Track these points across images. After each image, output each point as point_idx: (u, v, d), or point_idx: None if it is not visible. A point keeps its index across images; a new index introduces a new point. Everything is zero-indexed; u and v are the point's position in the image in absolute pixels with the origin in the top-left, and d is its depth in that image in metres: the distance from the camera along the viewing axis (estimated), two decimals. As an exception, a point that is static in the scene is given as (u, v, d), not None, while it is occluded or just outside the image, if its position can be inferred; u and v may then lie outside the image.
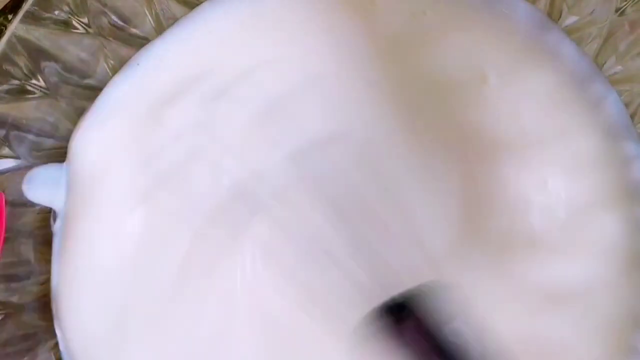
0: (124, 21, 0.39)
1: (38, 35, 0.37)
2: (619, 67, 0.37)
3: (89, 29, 0.38)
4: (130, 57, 0.39)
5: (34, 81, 0.37)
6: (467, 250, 0.36)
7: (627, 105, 0.37)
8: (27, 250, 0.38)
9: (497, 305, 0.35)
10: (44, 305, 0.38)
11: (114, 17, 0.38)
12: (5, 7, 0.36)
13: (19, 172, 0.38)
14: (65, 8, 0.37)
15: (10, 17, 0.36)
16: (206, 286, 0.37)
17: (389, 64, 0.37)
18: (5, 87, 0.37)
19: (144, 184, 0.38)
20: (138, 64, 0.39)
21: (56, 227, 0.38)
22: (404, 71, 0.37)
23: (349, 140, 0.37)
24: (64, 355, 0.38)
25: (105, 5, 0.38)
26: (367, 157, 0.37)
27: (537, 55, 0.36)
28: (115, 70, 0.39)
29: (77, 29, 0.37)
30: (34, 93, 0.37)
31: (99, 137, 0.38)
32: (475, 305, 0.32)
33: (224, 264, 0.38)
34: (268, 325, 0.37)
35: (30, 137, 0.38)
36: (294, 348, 0.37)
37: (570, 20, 0.37)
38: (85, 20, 0.37)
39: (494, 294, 0.35)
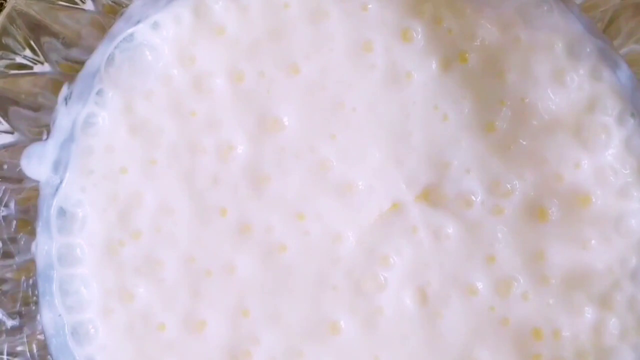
0: (124, -2, 0.39)
1: (38, 9, 0.36)
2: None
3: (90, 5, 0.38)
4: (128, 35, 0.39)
5: (33, 56, 0.37)
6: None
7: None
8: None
9: None
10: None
11: (114, -6, 0.38)
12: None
13: (18, 147, 0.38)
14: (66, -17, 0.37)
15: (10, -9, 0.36)
16: None
17: None
18: (4, 62, 0.37)
19: None
20: None
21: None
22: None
23: None
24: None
25: (105, -19, 0.38)
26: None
27: None
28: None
29: (77, 4, 0.37)
30: (33, 68, 0.37)
31: None
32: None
33: None
34: None
35: (29, 112, 0.38)
36: None
37: None
38: (86, -5, 0.37)
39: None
